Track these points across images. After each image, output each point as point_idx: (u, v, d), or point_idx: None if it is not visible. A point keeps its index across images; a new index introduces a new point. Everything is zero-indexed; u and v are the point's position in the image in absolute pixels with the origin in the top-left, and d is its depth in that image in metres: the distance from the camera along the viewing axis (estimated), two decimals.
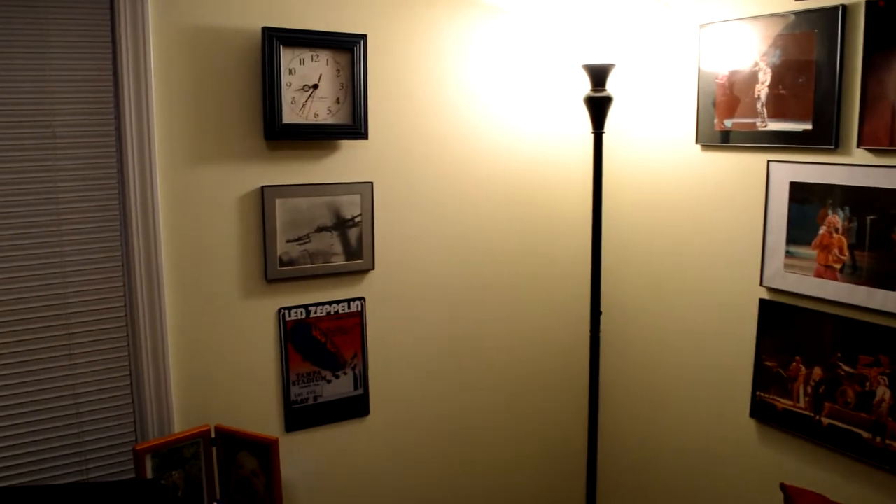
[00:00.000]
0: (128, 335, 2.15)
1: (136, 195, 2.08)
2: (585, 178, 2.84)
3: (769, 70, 2.18)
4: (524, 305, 2.81)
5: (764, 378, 2.28)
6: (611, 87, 2.40)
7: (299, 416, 2.39)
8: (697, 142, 2.43)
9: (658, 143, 2.60)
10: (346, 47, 2.26)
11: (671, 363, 2.63)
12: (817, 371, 2.13)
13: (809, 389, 2.16)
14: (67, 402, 2.09)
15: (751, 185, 2.29)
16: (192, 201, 2.18)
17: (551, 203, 2.81)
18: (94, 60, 2.03)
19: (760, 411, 2.31)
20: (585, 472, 2.90)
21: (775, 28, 2.15)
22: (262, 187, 2.24)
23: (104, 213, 2.09)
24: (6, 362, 2.01)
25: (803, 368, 2.17)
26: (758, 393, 2.31)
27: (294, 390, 2.38)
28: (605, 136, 2.46)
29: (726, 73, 2.30)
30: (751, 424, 2.35)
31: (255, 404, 2.33)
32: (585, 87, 2.41)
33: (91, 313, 2.10)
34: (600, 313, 2.57)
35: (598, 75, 2.37)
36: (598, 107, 2.40)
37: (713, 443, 2.49)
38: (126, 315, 2.14)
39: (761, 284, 2.26)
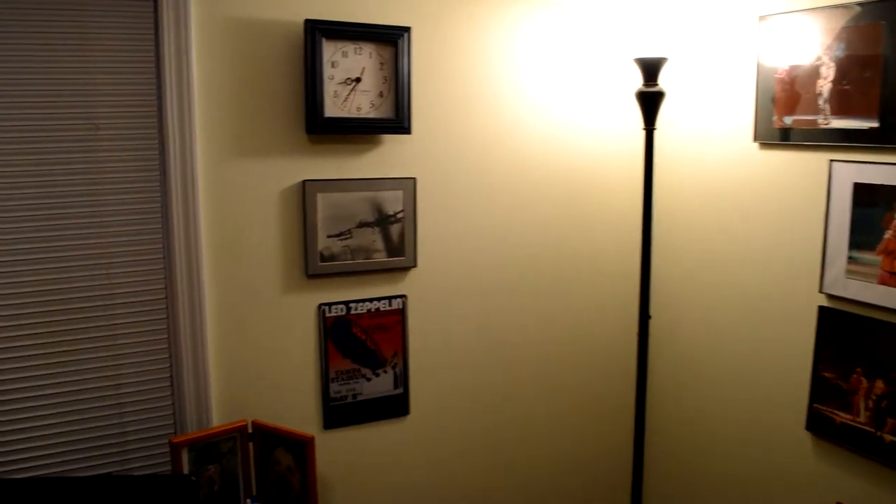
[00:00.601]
0: (168, 328, 2.15)
1: (178, 189, 2.08)
2: (635, 176, 2.75)
3: (832, 64, 2.06)
4: (570, 307, 2.73)
5: (821, 390, 2.16)
6: (663, 81, 2.31)
7: (338, 413, 2.37)
8: (755, 140, 2.32)
9: (713, 141, 2.49)
10: (390, 40, 2.22)
11: (723, 371, 2.52)
12: (879, 384, 2.01)
13: (871, 403, 2.04)
14: (109, 392, 2.11)
15: (811, 185, 2.17)
16: (233, 195, 2.17)
17: (599, 201, 2.72)
18: (137, 53, 2.04)
19: (817, 424, 2.19)
20: (630, 484, 2.81)
21: (839, 20, 2.03)
22: (304, 182, 2.22)
23: (146, 206, 2.09)
24: (53, 351, 2.04)
25: (864, 381, 2.05)
26: (814, 405, 2.19)
27: (333, 387, 2.35)
28: (656, 133, 2.37)
29: (786, 68, 2.19)
30: (806, 438, 2.24)
31: (293, 400, 2.32)
32: (637, 81, 2.33)
33: (133, 305, 2.11)
34: (649, 317, 2.48)
35: (651, 69, 2.28)
36: (650, 102, 2.31)
37: (766, 456, 2.38)
38: (167, 308, 2.15)
39: (820, 291, 2.15)
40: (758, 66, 2.28)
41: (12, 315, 1.98)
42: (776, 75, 2.22)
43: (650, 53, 2.26)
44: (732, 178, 2.43)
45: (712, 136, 2.49)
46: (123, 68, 2.03)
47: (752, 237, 2.37)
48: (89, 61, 1.99)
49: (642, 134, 2.37)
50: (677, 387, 2.72)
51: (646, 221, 2.41)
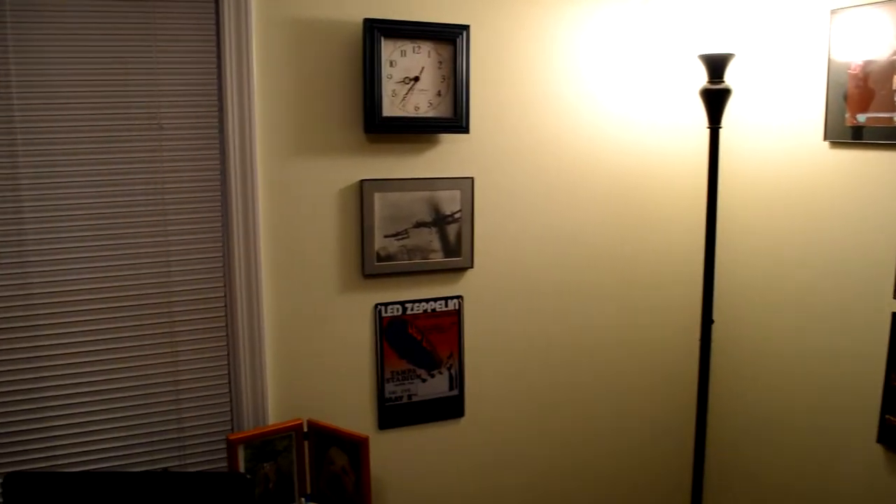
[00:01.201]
0: (227, 326, 2.17)
1: (237, 188, 2.09)
2: (699, 176, 2.68)
3: None
4: (629, 310, 2.68)
5: (894, 400, 2.07)
6: (729, 78, 2.24)
7: (392, 414, 2.36)
8: (825, 138, 2.23)
9: (781, 140, 2.41)
10: (449, 38, 2.20)
11: (789, 379, 2.43)
12: None
13: None
14: (169, 388, 2.14)
15: (884, 186, 2.08)
16: (292, 194, 2.18)
17: (661, 202, 2.66)
18: (199, 54, 2.06)
19: (889, 437, 2.09)
20: (690, 493, 2.73)
21: None
22: (361, 181, 2.22)
23: (207, 205, 2.12)
24: (114, 346, 2.07)
25: None
26: (887, 416, 2.09)
27: (388, 388, 2.34)
28: (721, 132, 2.30)
29: (860, 63, 2.10)
30: (877, 451, 2.14)
31: (348, 400, 2.31)
32: (702, 78, 2.26)
33: (193, 302, 2.14)
34: (712, 322, 2.40)
35: (716, 66, 2.22)
36: (716, 100, 2.25)
37: (834, 468, 2.29)
38: (225, 306, 2.17)
39: (895, 297, 2.05)
40: (829, 61, 2.19)
41: (78, 311, 2.02)
42: (849, 71, 2.13)
43: (716, 49, 2.20)
44: (801, 179, 2.34)
45: (780, 135, 2.41)
46: (186, 68, 2.05)
47: (821, 240, 2.28)
48: (154, 61, 2.02)
49: (706, 133, 2.31)
50: (740, 394, 2.64)
51: (710, 222, 2.34)
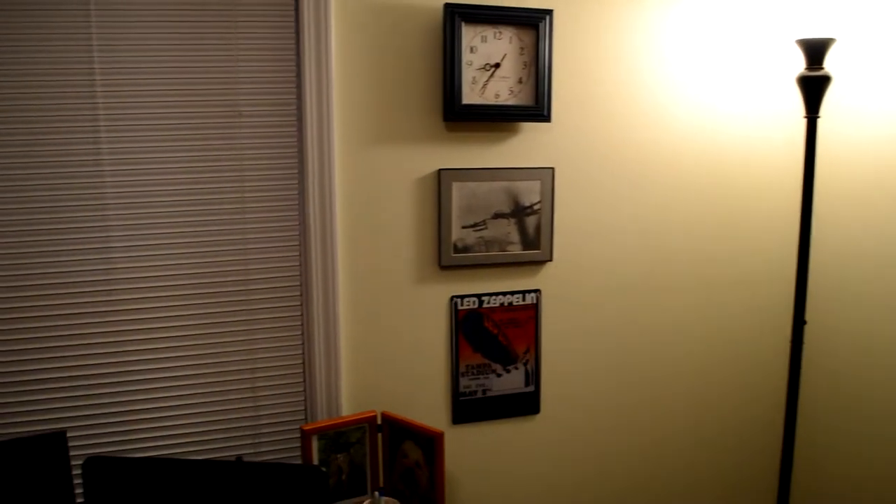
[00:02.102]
0: (302, 315, 2.16)
1: (315, 175, 2.07)
2: (794, 168, 2.54)
3: None
4: (715, 308, 2.57)
5: None
6: (829, 65, 2.11)
7: (466, 408, 2.31)
8: None
9: (884, 131, 2.26)
10: (532, 23, 2.13)
11: (887, 384, 2.29)
12: None
13: None
14: (245, 376, 2.14)
15: None
16: (369, 183, 2.15)
17: (752, 196, 2.53)
18: (278, 41, 2.05)
19: None
20: (776, 501, 2.62)
21: None
22: (439, 170, 2.18)
23: (284, 193, 2.11)
24: (193, 334, 2.09)
25: None
26: None
27: (463, 382, 2.30)
28: (819, 122, 2.17)
29: None
30: None
31: (422, 393, 2.28)
32: (799, 65, 2.14)
33: (269, 291, 2.13)
34: (805, 322, 2.28)
35: (815, 51, 2.09)
36: (814, 88, 2.12)
37: None
38: (301, 295, 2.15)
39: None
40: None
41: (158, 297, 2.04)
42: None
43: (815, 34, 2.07)
44: None
45: (884, 126, 2.27)
46: (265, 55, 2.04)
47: None
48: (234, 48, 2.02)
49: (803, 122, 2.19)
50: (832, 398, 2.50)
51: (805, 217, 2.22)
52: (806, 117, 2.16)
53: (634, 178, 2.39)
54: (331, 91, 2.05)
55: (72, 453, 2.03)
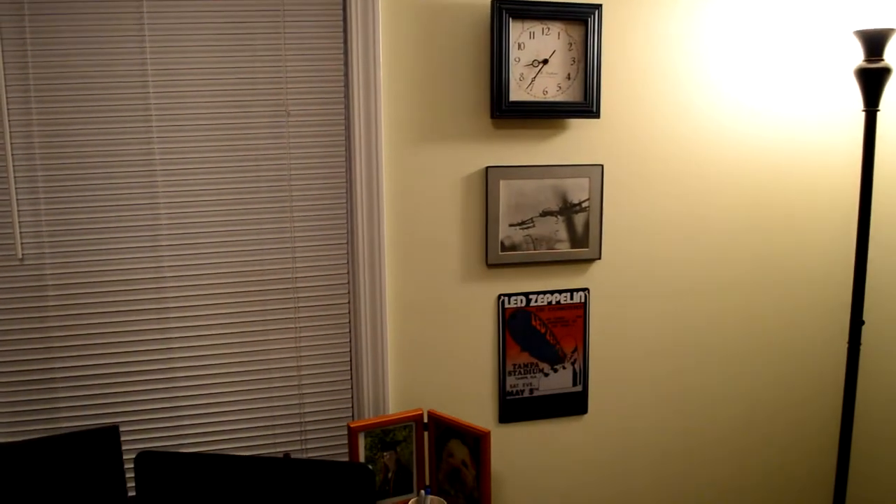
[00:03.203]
0: (349, 313, 2.16)
1: (362, 174, 2.07)
2: (851, 163, 2.46)
3: None
4: (770, 309, 2.50)
5: None
6: (889, 56, 2.04)
7: (513, 407, 2.29)
8: None
9: None
10: (580, 18, 2.10)
11: None
12: None
13: None
14: (292, 373, 2.15)
15: None
16: (416, 181, 2.14)
17: (808, 192, 2.47)
18: (326, 39, 2.05)
19: None
20: None
21: None
22: (487, 168, 2.16)
23: (332, 192, 2.11)
24: (241, 331, 2.10)
25: None
26: None
27: (510, 381, 2.28)
28: (879, 115, 2.09)
29: None
30: None
31: (468, 392, 2.26)
32: (857, 56, 2.07)
33: (317, 289, 2.14)
34: (862, 323, 2.21)
35: (875, 42, 2.03)
36: (874, 80, 2.06)
37: None
38: (349, 293, 2.16)
39: None
40: None
41: (207, 294, 2.07)
42: None
43: (875, 24, 2.01)
44: None
45: None
46: (313, 54, 2.05)
47: None
48: (282, 48, 2.03)
49: (861, 116, 2.12)
50: (891, 401, 2.42)
51: (863, 213, 2.15)
52: (865, 111, 2.10)
53: (685, 174, 2.35)
54: (378, 89, 2.05)
55: (123, 448, 2.06)
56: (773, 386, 2.55)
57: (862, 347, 2.27)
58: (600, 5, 2.10)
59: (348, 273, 2.15)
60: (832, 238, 2.52)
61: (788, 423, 2.59)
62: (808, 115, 2.43)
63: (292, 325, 2.14)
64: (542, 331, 2.29)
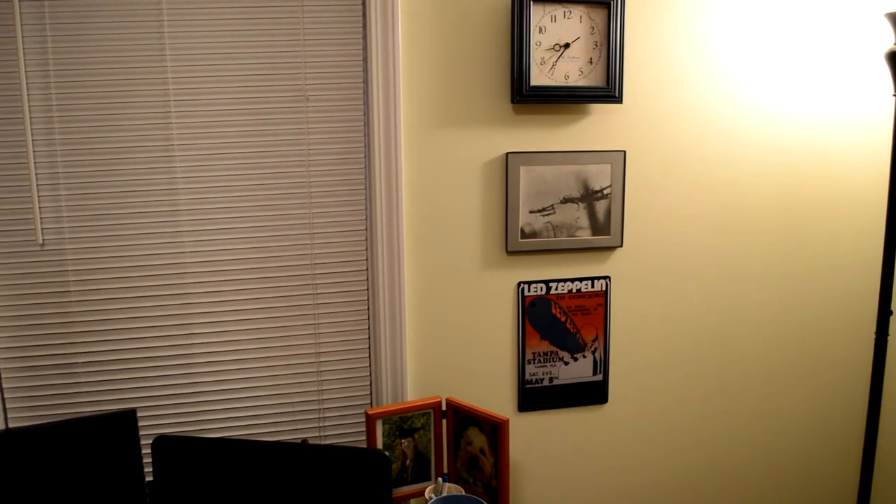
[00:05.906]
0: (368, 300, 2.16)
1: (381, 160, 2.06)
2: (880, 150, 2.41)
3: None
4: (792, 298, 2.46)
5: None
6: None
7: (532, 396, 2.28)
8: None
9: None
10: (603, 2, 2.07)
11: None
12: None
13: None
14: (311, 359, 2.15)
15: None
16: (435, 167, 2.12)
17: (834, 180, 2.41)
18: (345, 24, 2.04)
19: None
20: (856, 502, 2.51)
21: None
22: (507, 154, 2.13)
23: (350, 176, 2.10)
24: (260, 317, 2.10)
25: None
26: None
27: (529, 369, 2.26)
28: None
29: None
30: None
31: (487, 379, 2.25)
32: (888, 40, 2.02)
33: (335, 275, 2.13)
34: (891, 313, 2.17)
35: None
36: None
37: None
38: (367, 280, 2.15)
39: None
40: None
41: (227, 280, 2.07)
42: None
43: None
44: None
45: None
46: (332, 39, 2.03)
47: None
48: (301, 32, 2.01)
49: (891, 102, 2.06)
50: None
51: (892, 201, 2.10)
52: (895, 96, 2.04)
53: (709, 161, 2.31)
54: (397, 74, 2.03)
55: (141, 433, 2.07)
56: (798, 376, 2.51)
57: (889, 338, 2.23)
58: None
59: (367, 259, 2.14)
60: (860, 226, 2.47)
61: (813, 413, 2.55)
62: (839, 102, 2.37)
63: (311, 311, 2.14)
64: (563, 319, 2.27)
